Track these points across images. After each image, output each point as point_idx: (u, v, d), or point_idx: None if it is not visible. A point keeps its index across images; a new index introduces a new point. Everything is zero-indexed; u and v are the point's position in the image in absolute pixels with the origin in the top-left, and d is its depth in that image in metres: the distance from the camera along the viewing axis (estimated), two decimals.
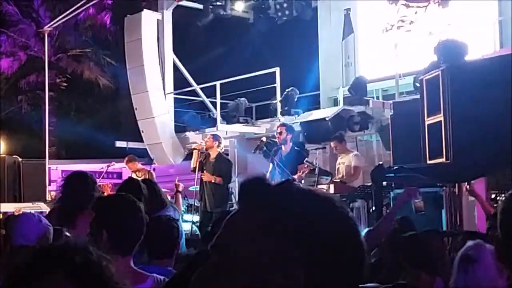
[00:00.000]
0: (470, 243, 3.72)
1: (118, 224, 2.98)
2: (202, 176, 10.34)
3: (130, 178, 5.47)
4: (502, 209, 1.52)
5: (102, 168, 13.17)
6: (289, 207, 1.10)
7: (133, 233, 3.01)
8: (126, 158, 11.96)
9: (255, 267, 1.06)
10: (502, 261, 1.54)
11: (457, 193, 7.25)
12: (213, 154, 10.31)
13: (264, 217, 1.09)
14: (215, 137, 10.51)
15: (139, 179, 10.45)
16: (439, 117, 6.98)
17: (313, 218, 1.09)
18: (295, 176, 9.61)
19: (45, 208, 9.91)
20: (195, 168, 10.38)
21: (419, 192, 4.63)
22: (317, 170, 9.65)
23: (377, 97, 13.14)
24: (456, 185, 7.33)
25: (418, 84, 8.69)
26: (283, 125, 10.29)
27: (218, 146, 10.34)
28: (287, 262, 1.05)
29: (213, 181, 10.12)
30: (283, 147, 10.10)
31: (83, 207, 4.75)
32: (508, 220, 1.50)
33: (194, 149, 10.50)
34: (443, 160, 6.86)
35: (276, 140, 10.22)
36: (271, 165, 10.12)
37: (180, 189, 7.58)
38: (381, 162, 8.16)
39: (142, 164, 12.60)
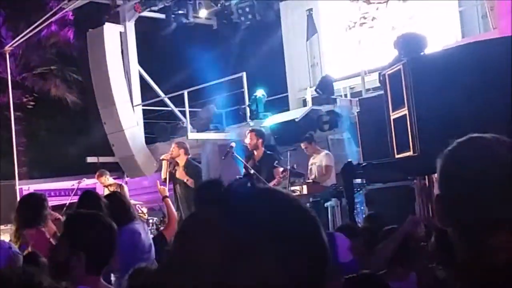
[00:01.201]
0: None
1: (96, 244, 2.81)
2: (174, 187, 10.27)
3: (86, 191, 5.43)
4: (441, 169, 1.53)
5: (73, 185, 13.03)
6: (245, 208, 1.05)
7: (109, 252, 2.90)
8: (97, 173, 11.85)
9: (216, 272, 1.01)
10: (444, 222, 1.53)
11: (427, 185, 7.27)
12: (181, 162, 10.24)
13: (222, 221, 1.04)
14: (180, 145, 10.44)
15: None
16: (404, 111, 7.02)
17: (272, 219, 1.04)
18: (274, 181, 9.60)
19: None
20: (165, 179, 10.29)
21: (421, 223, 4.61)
22: (288, 172, 9.63)
23: (345, 95, 13.18)
24: (426, 177, 7.36)
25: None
26: (251, 130, 10.26)
27: (185, 153, 10.27)
28: (249, 264, 1.00)
29: (185, 180, 10.07)
30: (255, 152, 10.07)
31: (30, 224, 5.17)
32: (451, 176, 1.51)
33: (163, 159, 10.42)
34: (410, 153, 6.89)
35: (247, 145, 10.19)
36: (244, 171, 10.08)
37: (167, 193, 7.09)
38: (349, 160, 8.16)
39: (115, 178, 12.48)
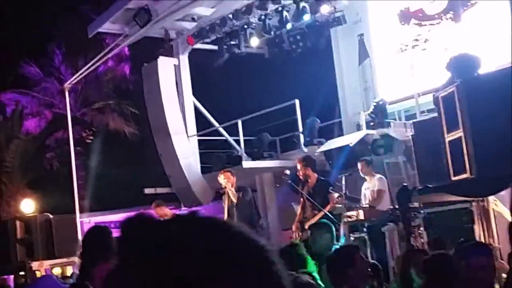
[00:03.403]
0: None
1: None
2: None
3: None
4: None
5: None
6: (178, 253, 0.90)
7: None
8: (154, 203, 12.00)
9: None
10: None
11: (485, 207, 7.13)
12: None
13: (146, 271, 0.91)
14: (229, 173, 10.79)
15: None
16: (459, 133, 6.92)
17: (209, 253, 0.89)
18: (328, 207, 9.60)
19: (78, 262, 9.96)
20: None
21: None
22: (344, 197, 9.59)
23: (399, 118, 13.06)
24: (485, 199, 7.22)
25: None
26: (299, 160, 10.30)
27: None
28: None
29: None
30: (308, 180, 10.09)
31: (97, 260, 4.80)
32: None
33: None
34: (467, 175, 6.77)
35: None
36: (301, 199, 10.10)
37: None
38: (405, 184, 8.07)
39: (172, 209, 12.63)
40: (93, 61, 15.28)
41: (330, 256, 4.51)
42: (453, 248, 4.72)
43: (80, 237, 12.81)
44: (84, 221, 14.96)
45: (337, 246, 8.13)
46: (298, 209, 10.29)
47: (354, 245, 4.04)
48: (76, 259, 10.87)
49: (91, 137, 22.15)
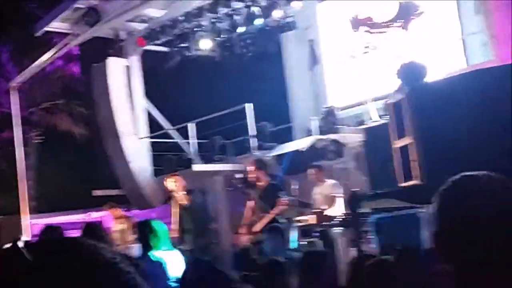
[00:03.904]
0: None
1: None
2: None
3: (90, 224, 5.43)
4: (439, 206, 1.57)
5: (82, 219, 13.05)
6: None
7: None
8: (107, 205, 11.84)
9: None
10: (444, 258, 1.56)
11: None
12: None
13: None
14: (178, 177, 10.74)
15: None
16: (408, 140, 7.05)
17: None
18: (275, 211, 9.61)
19: None
20: None
21: None
22: (296, 201, 9.66)
23: (350, 124, 13.21)
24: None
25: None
26: (252, 163, 10.30)
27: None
28: None
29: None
30: (258, 183, 10.10)
31: None
32: (445, 215, 1.55)
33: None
34: (415, 182, 6.90)
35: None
36: (251, 202, 10.10)
37: None
38: (354, 189, 8.18)
39: (124, 211, 12.50)
40: (40, 60, 15.01)
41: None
42: (397, 254, 4.79)
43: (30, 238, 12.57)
44: (33, 223, 14.66)
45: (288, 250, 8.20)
46: (246, 211, 10.25)
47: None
48: None
49: (39, 138, 21.72)
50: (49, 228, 5.44)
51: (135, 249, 7.03)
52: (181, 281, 3.77)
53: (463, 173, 1.59)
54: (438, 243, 1.55)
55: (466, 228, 1.50)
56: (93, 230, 5.12)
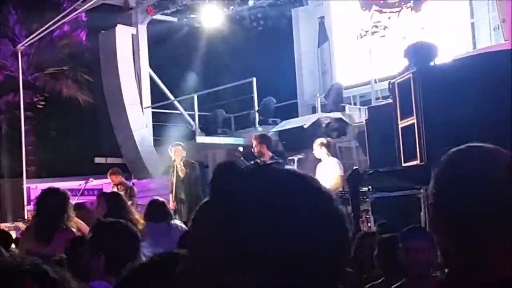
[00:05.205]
0: None
1: (118, 250, 3.05)
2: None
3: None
4: (436, 180, 1.43)
5: (81, 185, 13.03)
6: (258, 200, 1.05)
7: (130, 258, 3.02)
8: (110, 171, 11.78)
9: (208, 268, 1.02)
10: (438, 233, 1.48)
11: None
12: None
13: (229, 212, 1.05)
14: (179, 147, 10.65)
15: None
16: (412, 120, 7.01)
17: (284, 212, 1.03)
18: None
19: (23, 227, 9.82)
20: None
21: None
22: None
23: (355, 103, 13.17)
24: None
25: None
26: (255, 137, 10.25)
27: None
28: (239, 266, 0.98)
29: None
30: (261, 158, 10.06)
31: (57, 224, 4.94)
32: (443, 191, 1.41)
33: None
34: (417, 162, 6.87)
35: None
36: None
37: None
38: (356, 167, 8.16)
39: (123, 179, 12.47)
40: (48, 24, 14.92)
41: None
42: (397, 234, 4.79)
43: (25, 202, 12.61)
44: (31, 187, 14.69)
45: None
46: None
47: None
48: (20, 224, 10.69)
49: (43, 103, 21.69)
50: (50, 191, 5.41)
51: None
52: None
53: (468, 144, 1.47)
54: (437, 215, 1.44)
55: (468, 199, 1.36)
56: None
